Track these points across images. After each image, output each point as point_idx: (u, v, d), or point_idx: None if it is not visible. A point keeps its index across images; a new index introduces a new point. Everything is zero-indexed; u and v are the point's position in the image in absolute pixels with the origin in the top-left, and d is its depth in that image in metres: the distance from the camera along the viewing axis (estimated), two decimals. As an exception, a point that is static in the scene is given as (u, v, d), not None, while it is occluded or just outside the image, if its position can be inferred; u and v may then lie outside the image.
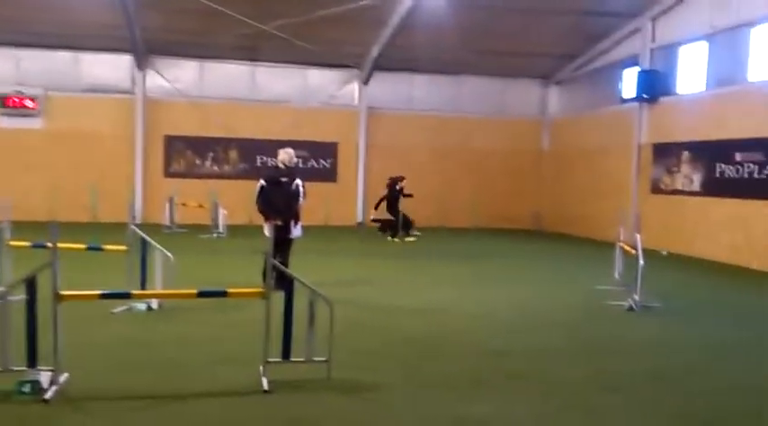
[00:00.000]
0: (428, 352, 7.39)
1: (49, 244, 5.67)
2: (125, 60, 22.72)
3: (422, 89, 24.71)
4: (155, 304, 8.95)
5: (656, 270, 12.08)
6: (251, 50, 22.71)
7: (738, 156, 15.85)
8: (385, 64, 23.16)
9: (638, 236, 10.19)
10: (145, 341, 7.50)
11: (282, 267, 6.64)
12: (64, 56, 22.46)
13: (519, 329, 8.70)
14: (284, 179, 10.26)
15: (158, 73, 23.14)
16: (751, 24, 15.92)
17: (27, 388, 5.53)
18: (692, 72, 18.08)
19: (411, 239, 19.30)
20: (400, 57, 22.80)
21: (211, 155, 23.59)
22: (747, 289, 12.52)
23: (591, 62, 22.58)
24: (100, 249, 9.51)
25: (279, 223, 9.83)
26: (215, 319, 8.55)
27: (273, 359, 6.07)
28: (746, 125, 15.59)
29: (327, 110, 23.94)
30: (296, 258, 10.49)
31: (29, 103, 21.94)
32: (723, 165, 16.35)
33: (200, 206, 20.11)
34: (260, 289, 6.20)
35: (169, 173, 23.27)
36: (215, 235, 18.78)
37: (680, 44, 18.45)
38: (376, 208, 19.68)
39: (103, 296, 6.24)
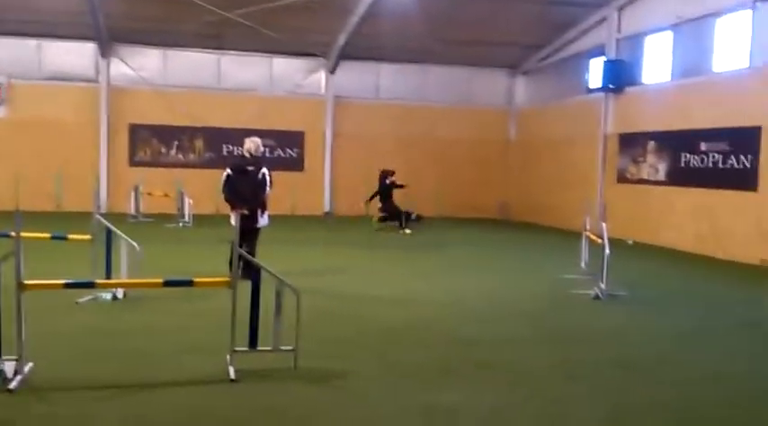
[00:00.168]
0: (396, 341, 7.41)
1: (13, 234, 5.59)
2: (89, 48, 22.35)
3: (388, 78, 24.67)
4: (120, 293, 8.86)
5: (621, 260, 12.24)
6: (216, 38, 22.46)
7: (703, 146, 16.09)
8: (351, 53, 23.07)
9: (604, 226, 10.33)
10: (110, 331, 7.41)
11: (249, 256, 6.60)
12: (27, 43, 22.02)
13: (487, 318, 8.76)
14: (250, 168, 10.19)
15: (122, 61, 22.78)
16: (716, 15, 16.14)
17: (-10, 378, 5.45)
18: (657, 62, 18.30)
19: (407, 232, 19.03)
20: (366, 46, 22.73)
21: (177, 143, 23.33)
22: (713, 278, 12.72)
23: (557, 52, 22.75)
24: (64, 238, 9.36)
25: (245, 212, 9.75)
26: (181, 308, 8.48)
27: (240, 348, 6.04)
28: (711, 115, 15.83)
29: (294, 99, 23.80)
30: (263, 247, 10.43)
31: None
32: (688, 155, 16.60)
33: (166, 195, 19.90)
34: (226, 278, 6.15)
35: (134, 162, 22.99)
36: (181, 224, 18.61)
37: (645, 34, 18.66)
38: (369, 201, 19.39)
39: (68, 285, 6.15)
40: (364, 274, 11.87)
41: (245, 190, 10.07)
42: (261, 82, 23.77)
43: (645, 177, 18.25)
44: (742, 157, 14.93)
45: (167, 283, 6.49)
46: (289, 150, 23.90)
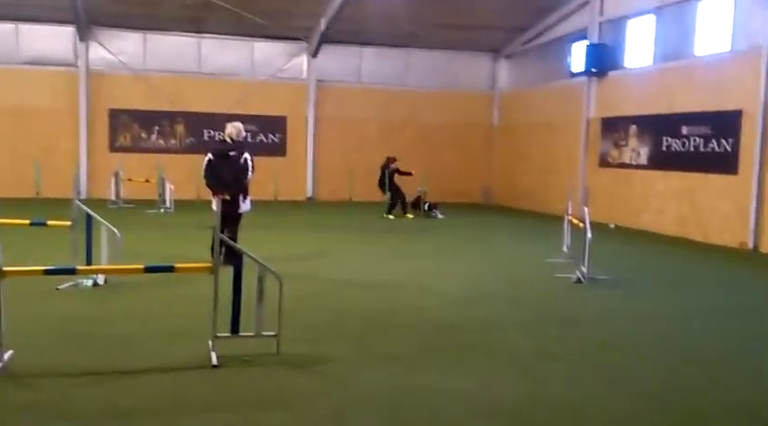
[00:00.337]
0: (378, 326, 7.41)
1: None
2: (67, 32, 22.06)
3: (371, 62, 24.55)
4: (101, 279, 8.78)
5: (603, 243, 12.33)
6: (196, 22, 22.25)
7: (685, 130, 16.17)
8: (333, 36, 22.93)
9: (586, 210, 10.37)
10: (91, 317, 7.36)
11: (231, 242, 6.55)
12: (4, 27, 21.71)
13: (469, 302, 8.79)
14: (232, 153, 10.11)
15: (101, 45, 22.50)
16: (698, -2, 16.19)
17: (-31, 366, 5.40)
18: (639, 46, 18.34)
19: (401, 216, 18.87)
20: (349, 30, 22.60)
21: (157, 129, 23.13)
22: (694, 261, 12.83)
23: (540, 35, 22.73)
24: (44, 224, 9.26)
25: (227, 197, 9.72)
26: (162, 294, 8.43)
27: (222, 333, 6.01)
28: (693, 99, 15.90)
29: (275, 84, 23.64)
30: (245, 233, 10.39)
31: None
32: (670, 139, 16.69)
33: (147, 181, 19.74)
34: (208, 264, 6.11)
35: (114, 148, 22.77)
36: (162, 210, 18.49)
37: (628, 18, 18.68)
38: (381, 187, 19.23)
39: (48, 272, 6.10)
40: (346, 259, 11.85)
41: (226, 176, 10.00)
42: (242, 66, 23.57)
43: (627, 161, 18.33)
44: (723, 141, 15.03)
45: (148, 269, 6.44)
46: (271, 135, 23.76)
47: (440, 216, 19.07)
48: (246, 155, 10.15)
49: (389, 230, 16.14)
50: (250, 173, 10.17)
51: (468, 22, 22.30)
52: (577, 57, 20.02)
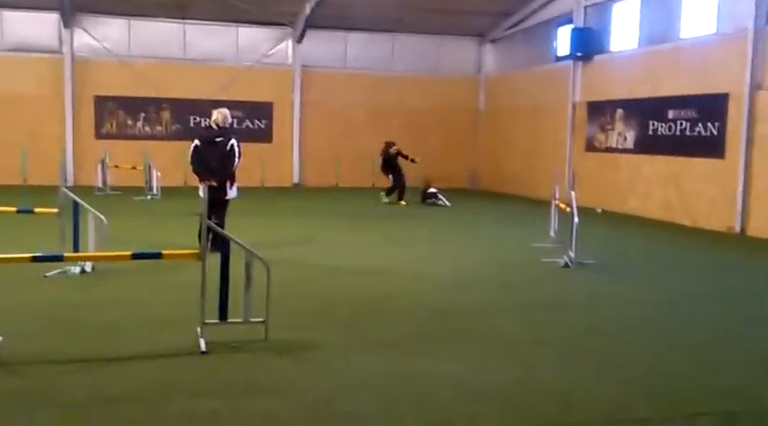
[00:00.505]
0: (367, 311, 7.44)
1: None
2: (51, 18, 21.85)
3: (356, 47, 24.44)
4: (88, 267, 8.77)
5: (590, 228, 12.36)
6: (180, 8, 22.03)
7: (671, 114, 16.22)
8: (318, 22, 22.79)
9: (573, 194, 10.40)
10: (79, 305, 7.35)
11: (218, 228, 6.55)
12: (-12, 14, 21.45)
13: (457, 287, 8.82)
14: (218, 139, 10.07)
15: (86, 31, 22.29)
16: (683, -19, 16.20)
17: (-43, 354, 5.40)
18: (625, 29, 18.35)
19: (400, 203, 18.59)
20: (334, 15, 22.48)
21: (143, 115, 22.98)
22: (680, 246, 12.86)
23: (525, 20, 22.69)
24: (30, 212, 9.22)
25: (213, 184, 9.71)
26: (150, 281, 8.42)
27: (210, 320, 6.02)
28: (679, 82, 15.94)
29: (261, 70, 23.50)
30: (232, 219, 10.37)
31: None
32: (656, 123, 16.74)
33: (134, 168, 19.65)
34: (195, 251, 6.11)
35: (100, 135, 22.62)
36: (149, 197, 18.44)
37: (613, 1, 18.67)
38: (385, 172, 18.92)
39: (35, 259, 6.10)
40: (334, 245, 11.86)
41: (213, 162, 9.97)
42: (227, 52, 23.42)
43: (613, 145, 18.40)
44: (709, 125, 15.09)
45: (136, 256, 6.43)
46: (257, 121, 23.67)
47: (447, 203, 18.35)
48: (233, 141, 10.11)
49: (377, 216, 16.15)
50: (237, 160, 10.13)
51: (453, 7, 22.23)
52: (563, 41, 20.00)
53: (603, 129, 18.76)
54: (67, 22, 21.72)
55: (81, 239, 8.72)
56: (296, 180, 24.06)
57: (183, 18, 22.72)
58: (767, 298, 8.77)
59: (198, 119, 22.45)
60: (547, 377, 5.52)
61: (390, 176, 18.80)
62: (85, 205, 8.66)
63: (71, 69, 21.97)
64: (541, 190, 18.90)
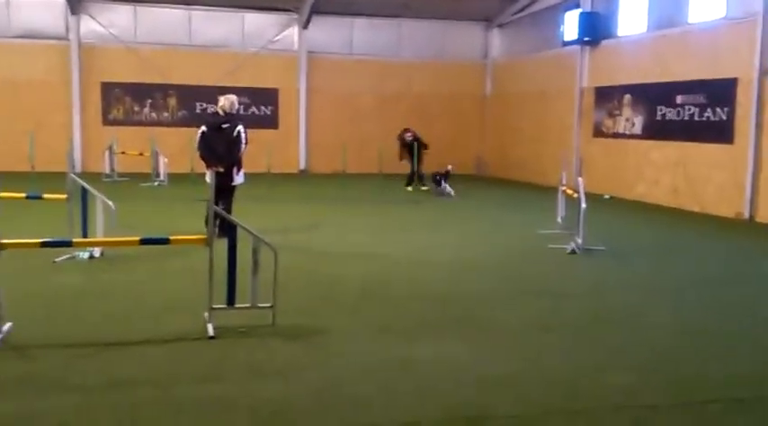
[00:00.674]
0: (373, 297, 7.46)
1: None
2: (58, 4, 21.81)
3: (362, 33, 24.32)
4: (97, 252, 8.84)
5: (598, 214, 12.34)
6: (186, -8, 22.07)
7: (679, 99, 16.11)
8: (324, 7, 22.70)
9: (580, 180, 10.35)
10: (88, 289, 7.42)
11: (225, 214, 6.57)
12: (-5, 1, 21.47)
13: (463, 273, 8.84)
14: (225, 125, 10.09)
15: (93, 17, 22.25)
16: (691, -35, 16.04)
17: (-32, 338, 5.46)
18: (633, 14, 18.21)
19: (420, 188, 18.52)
20: (339, 0, 22.40)
21: (150, 102, 22.98)
22: (689, 232, 12.83)
23: (532, 4, 22.52)
24: (39, 198, 9.27)
25: (220, 170, 9.73)
26: (158, 266, 8.47)
27: (218, 305, 6.05)
28: (687, 67, 15.83)
29: (266, 56, 23.44)
30: (239, 205, 10.39)
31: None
32: (664, 108, 16.63)
33: (141, 154, 19.68)
34: (202, 236, 6.13)
35: (108, 121, 22.64)
36: (156, 183, 18.49)
37: (621, -15, 18.54)
38: (411, 161, 18.78)
39: (45, 244, 6.14)
40: (341, 231, 11.88)
41: (219, 148, 9.99)
42: (232, 38, 23.35)
43: (621, 131, 18.31)
44: (718, 110, 15.00)
45: (144, 241, 6.46)
46: (263, 107, 23.63)
47: (451, 192, 17.58)
48: (240, 127, 10.13)
49: (383, 202, 16.14)
50: (243, 146, 10.15)
51: (459, -9, 22.11)
52: (570, 25, 19.86)
53: (611, 115, 18.67)
54: (74, 8, 21.69)
55: (89, 225, 8.76)
56: (302, 166, 24.05)
57: (188, 4, 22.66)
58: (775, 284, 8.75)
59: (204, 105, 22.44)
60: (553, 363, 5.52)
61: (413, 162, 18.61)
62: (94, 191, 8.71)
63: (78, 56, 21.94)
64: (548, 176, 18.85)
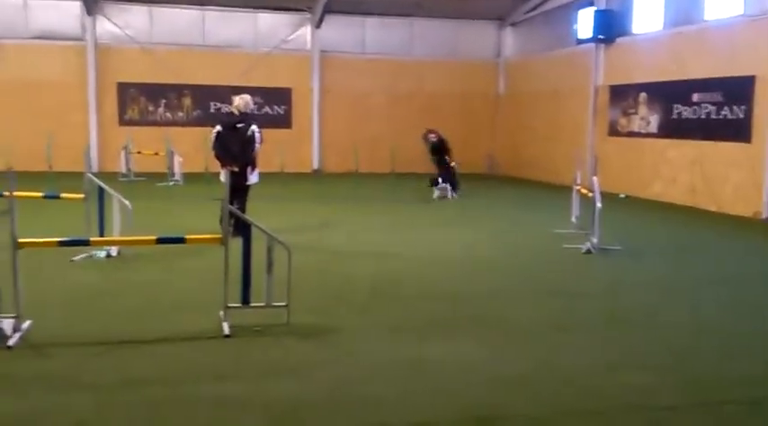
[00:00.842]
0: (387, 296, 7.46)
1: (6, 193, 5.62)
2: (74, 6, 21.98)
3: (374, 32, 24.32)
4: (114, 251, 8.90)
5: (613, 213, 12.26)
6: (200, -7, 22.20)
7: (696, 97, 15.96)
8: (336, 6, 22.74)
9: (595, 179, 10.27)
10: (105, 288, 7.48)
11: (240, 213, 6.60)
12: (13, 1, 21.65)
13: (476, 273, 8.82)
14: (240, 125, 10.13)
15: (108, 19, 22.41)
16: (708, -39, 15.90)
17: (-10, 335, 5.53)
18: (648, 11, 18.09)
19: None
20: (352, 0, 22.36)
21: (165, 102, 23.11)
22: (706, 231, 12.70)
23: (545, 2, 22.44)
24: (57, 197, 9.36)
25: (235, 169, 9.76)
26: (174, 265, 8.52)
27: (233, 304, 6.08)
28: (704, 65, 15.69)
29: (279, 56, 23.49)
30: (253, 204, 10.43)
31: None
32: (680, 106, 16.50)
33: (156, 154, 19.80)
34: (218, 236, 6.16)
35: (123, 121, 22.80)
36: (171, 182, 18.60)
37: (636, -17, 18.42)
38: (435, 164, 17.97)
39: (62, 243, 6.22)
40: (354, 230, 11.90)
41: (234, 148, 10.03)
42: (246, 38, 23.42)
43: (636, 130, 18.20)
44: (735, 108, 14.86)
45: (160, 240, 6.51)
46: (276, 107, 23.69)
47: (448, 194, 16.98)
48: (254, 127, 10.17)
49: (395, 201, 16.12)
50: (257, 145, 10.19)
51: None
52: (584, 23, 19.76)
53: (626, 113, 18.56)
54: (90, 9, 21.85)
55: (106, 224, 8.83)
56: (315, 165, 24.09)
57: (202, 4, 22.77)
58: (792, 283, 8.67)
59: (218, 105, 22.54)
60: (567, 363, 5.49)
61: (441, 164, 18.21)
62: (110, 190, 8.77)
63: (94, 56, 22.10)
64: (561, 175, 18.76)
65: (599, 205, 9.83)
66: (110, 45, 22.37)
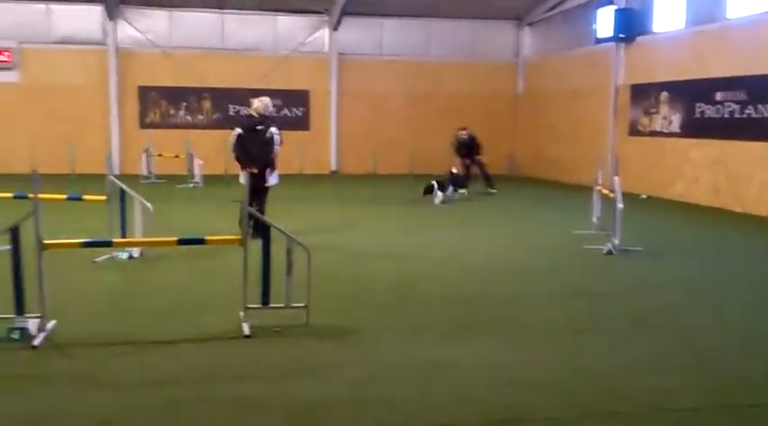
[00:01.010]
0: (406, 297, 7.44)
1: (31, 195, 5.69)
2: (96, 11, 22.23)
3: (392, 33, 24.31)
4: (136, 252, 8.98)
5: (635, 214, 12.14)
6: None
7: (719, 96, 15.78)
8: (354, 8, 22.75)
9: (617, 179, 10.13)
10: (127, 289, 7.56)
11: (259, 215, 6.62)
12: (36, 7, 21.95)
13: (497, 273, 8.78)
14: (259, 127, 10.19)
15: (129, 23, 22.62)
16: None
17: (17, 335, 5.61)
18: (669, 9, 17.92)
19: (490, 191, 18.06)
20: (369, 2, 22.45)
21: (185, 105, 23.28)
22: (730, 232, 12.51)
23: (564, 2, 22.32)
24: (80, 199, 9.46)
25: (254, 171, 9.81)
26: (194, 266, 8.58)
27: (253, 305, 6.10)
28: (727, 63, 15.49)
29: (298, 58, 23.56)
30: (272, 205, 10.47)
31: (4, 57, 21.56)
32: (703, 105, 16.31)
33: (177, 156, 19.96)
34: (237, 237, 6.19)
35: (144, 124, 23.00)
36: (191, 184, 18.73)
37: (656, -19, 18.28)
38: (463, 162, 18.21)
39: (86, 244, 6.30)
40: (372, 230, 11.90)
41: (253, 149, 10.09)
42: (265, 41, 23.53)
43: (658, 129, 18.03)
44: (760, 106, 14.66)
45: (181, 242, 6.56)
46: (294, 109, 23.77)
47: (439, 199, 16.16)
48: (273, 129, 10.23)
49: (414, 202, 16.08)
50: (276, 147, 10.24)
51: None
52: (603, 22, 19.63)
53: (647, 113, 18.41)
54: (111, 14, 22.07)
55: (128, 226, 8.91)
56: (333, 167, 24.12)
57: (221, 8, 22.92)
58: (818, 284, 8.54)
59: (237, 107, 22.64)
60: (590, 365, 5.45)
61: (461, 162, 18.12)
62: (132, 192, 8.86)
63: (116, 61, 22.33)
64: (582, 175, 18.62)
65: (620, 205, 9.72)
66: (131, 49, 22.58)
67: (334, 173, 23.95)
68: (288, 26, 23.69)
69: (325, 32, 23.88)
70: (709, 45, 16.14)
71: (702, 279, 8.63)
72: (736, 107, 15.30)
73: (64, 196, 9.50)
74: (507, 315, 6.85)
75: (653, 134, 18.20)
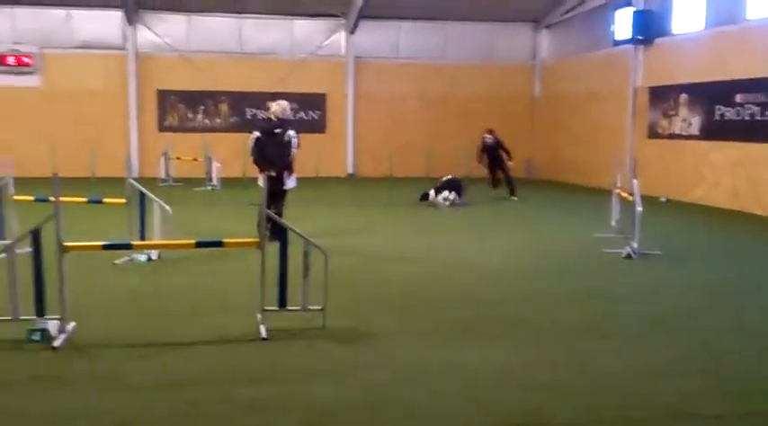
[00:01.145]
0: (422, 300, 7.44)
1: (52, 198, 5.76)
2: (115, 16, 22.46)
3: (409, 36, 24.32)
4: (154, 255, 9.05)
5: (654, 217, 12.04)
6: (237, 2, 22.46)
7: (739, 98, 15.63)
8: (371, 12, 22.79)
9: (636, 182, 10.05)
10: (146, 291, 7.61)
11: (277, 217, 6.66)
12: (57, 13, 22.22)
13: (514, 277, 8.75)
14: (277, 130, 10.24)
15: (148, 28, 22.82)
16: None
17: (37, 336, 5.67)
18: (689, 11, 17.79)
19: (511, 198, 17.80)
20: (385, 5, 22.49)
21: (203, 108, 23.45)
22: (750, 236, 12.35)
23: (582, 4, 22.22)
24: (100, 202, 9.56)
25: (273, 174, 9.86)
26: (212, 269, 8.62)
27: (270, 307, 6.13)
28: (747, 65, 15.35)
29: (315, 62, 23.64)
30: (290, 208, 10.50)
31: (26, 61, 21.81)
32: (723, 108, 16.16)
33: (195, 159, 20.11)
34: (255, 239, 6.22)
35: (163, 128, 23.19)
36: (209, 187, 18.83)
37: (675, -18, 18.15)
38: (488, 166, 18.19)
39: (106, 246, 6.36)
40: (389, 234, 11.91)
41: (272, 153, 10.14)
42: (282, 45, 23.64)
43: (677, 132, 17.89)
44: (780, 108, 14.53)
45: (199, 244, 6.61)
46: (311, 112, 23.84)
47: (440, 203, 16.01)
48: (291, 132, 10.28)
49: (432, 206, 16.05)
50: (294, 150, 10.28)
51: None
52: (621, 24, 19.52)
53: (666, 115, 18.27)
54: (131, 19, 22.28)
55: (147, 228, 8.98)
56: (350, 170, 24.16)
57: (239, 12, 23.06)
58: (840, 288, 8.43)
59: (254, 111, 22.80)
60: (606, 368, 5.41)
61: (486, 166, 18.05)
62: (151, 195, 8.93)
63: (135, 65, 22.55)
64: (600, 178, 18.51)
65: (639, 209, 9.64)
66: (150, 53, 22.78)
67: (350, 175, 23.99)
68: (305, 30, 23.79)
69: (341, 36, 23.95)
70: (729, 46, 16.00)
71: (722, 283, 8.55)
72: (756, 109, 15.15)
73: (84, 199, 9.61)
74: (524, 318, 6.82)
75: (672, 136, 18.06)
